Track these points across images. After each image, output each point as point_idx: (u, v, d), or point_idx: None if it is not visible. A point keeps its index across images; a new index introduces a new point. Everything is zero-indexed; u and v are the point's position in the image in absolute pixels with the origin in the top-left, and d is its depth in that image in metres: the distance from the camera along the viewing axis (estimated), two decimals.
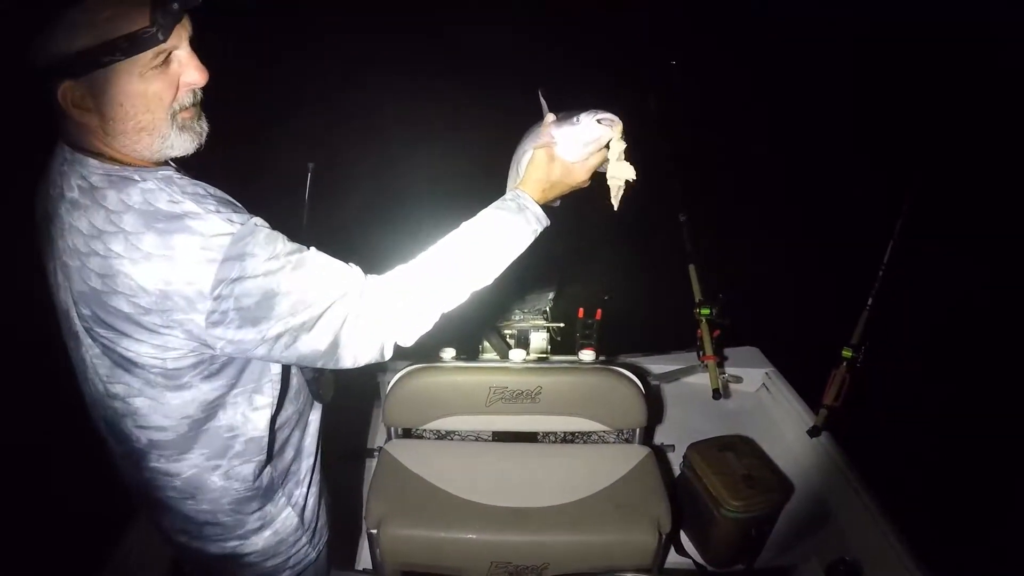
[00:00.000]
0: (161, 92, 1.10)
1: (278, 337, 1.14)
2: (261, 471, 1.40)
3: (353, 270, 1.23)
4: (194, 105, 1.17)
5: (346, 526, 2.47)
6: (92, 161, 1.12)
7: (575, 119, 1.33)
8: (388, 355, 1.27)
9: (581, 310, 2.60)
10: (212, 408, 1.27)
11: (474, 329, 2.65)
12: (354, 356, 1.24)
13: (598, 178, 1.43)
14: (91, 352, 1.20)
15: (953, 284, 4.66)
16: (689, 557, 2.45)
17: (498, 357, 2.59)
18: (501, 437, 2.43)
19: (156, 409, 1.22)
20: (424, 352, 2.66)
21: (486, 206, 1.37)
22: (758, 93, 7.01)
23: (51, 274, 1.22)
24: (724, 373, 3.04)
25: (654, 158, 3.01)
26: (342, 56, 6.66)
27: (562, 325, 2.71)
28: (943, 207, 4.35)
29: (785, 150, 6.29)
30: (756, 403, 3.18)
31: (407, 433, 2.39)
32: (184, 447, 1.29)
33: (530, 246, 1.35)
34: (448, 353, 2.44)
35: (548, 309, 2.74)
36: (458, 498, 2.08)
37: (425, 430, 2.36)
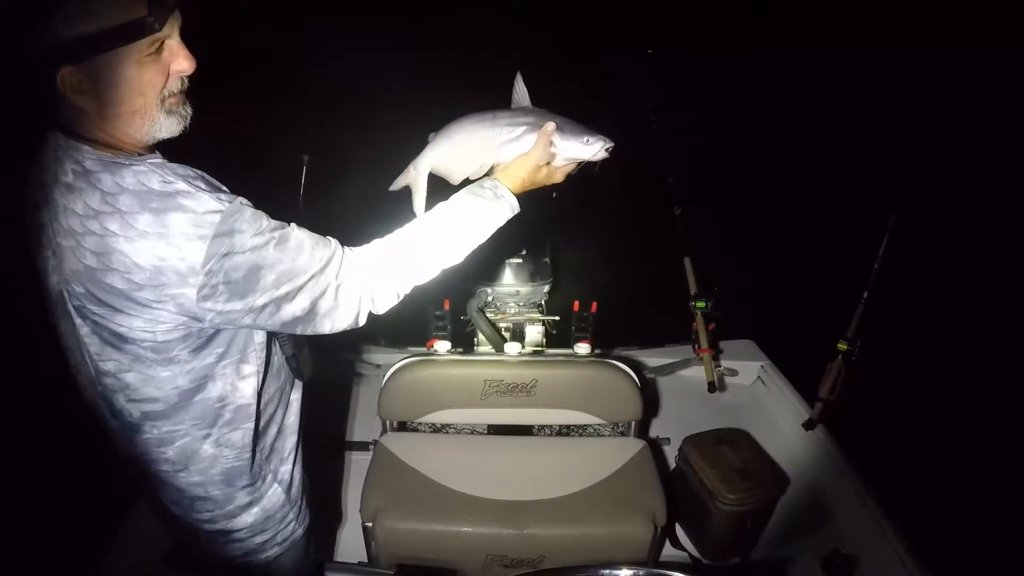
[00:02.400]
0: (153, 78, 1.17)
1: (263, 307, 1.21)
2: (250, 440, 1.45)
3: (332, 243, 1.30)
4: (181, 91, 1.24)
5: (342, 519, 2.47)
6: (85, 147, 1.17)
7: (585, 139, 1.44)
8: (362, 322, 1.35)
9: (576, 303, 2.60)
10: (202, 379, 1.33)
11: (468, 321, 2.64)
12: (332, 323, 1.31)
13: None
14: (82, 331, 1.24)
15: (949, 276, 4.66)
16: (684, 550, 2.46)
17: (493, 350, 2.59)
18: (496, 430, 2.43)
19: (147, 382, 1.28)
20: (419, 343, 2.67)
21: None
22: (754, 87, 7.00)
23: (43, 259, 1.25)
24: (719, 366, 3.04)
25: (649, 152, 3.01)
26: (337, 46, 6.63)
27: (557, 318, 2.70)
28: (940, 198, 4.35)
29: (780, 143, 6.28)
30: (751, 396, 3.19)
31: (402, 426, 2.38)
32: (175, 417, 1.34)
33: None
34: (443, 346, 2.43)
35: (543, 302, 2.73)
36: (453, 491, 2.08)
37: (420, 423, 2.36)
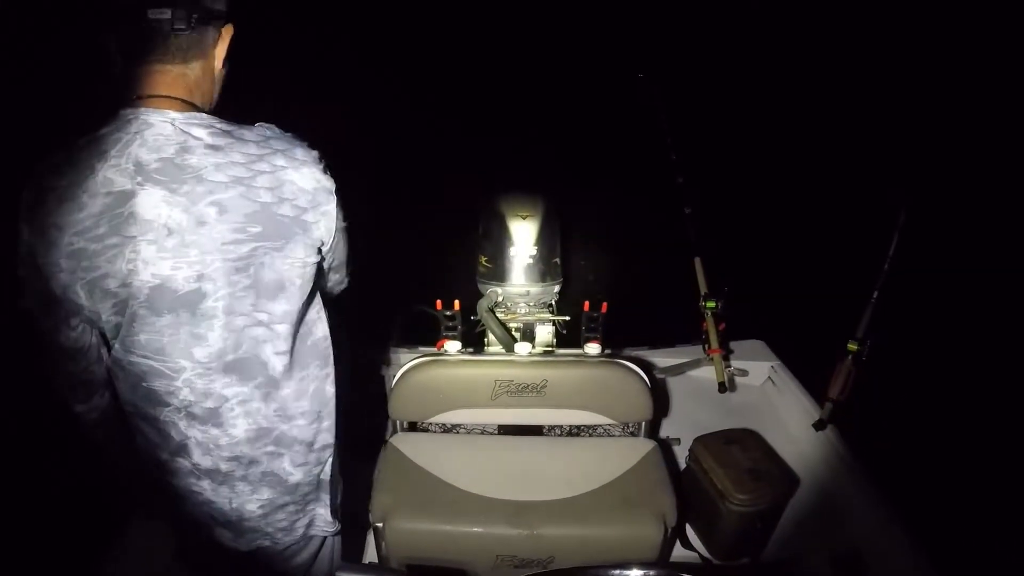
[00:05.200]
0: None
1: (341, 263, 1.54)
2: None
3: None
4: None
5: (351, 519, 2.47)
6: (205, 115, 1.30)
7: None
8: None
9: (587, 303, 2.59)
10: (313, 321, 1.47)
11: (478, 322, 2.64)
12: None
13: None
14: (237, 287, 1.30)
15: (961, 275, 4.64)
16: (695, 550, 2.45)
17: (504, 350, 2.59)
18: (507, 430, 2.43)
19: (289, 332, 1.39)
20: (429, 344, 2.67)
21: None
22: (762, 85, 6.98)
23: (132, 251, 1.25)
24: (730, 366, 3.03)
25: (658, 151, 3.01)
26: (340, 55, 6.66)
27: (567, 318, 2.70)
28: (952, 197, 4.33)
29: (791, 141, 6.26)
30: (762, 396, 3.18)
31: (412, 427, 2.39)
32: (304, 362, 1.46)
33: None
34: (453, 346, 2.44)
35: (554, 302, 2.73)
36: (463, 491, 2.08)
37: (430, 423, 2.37)
